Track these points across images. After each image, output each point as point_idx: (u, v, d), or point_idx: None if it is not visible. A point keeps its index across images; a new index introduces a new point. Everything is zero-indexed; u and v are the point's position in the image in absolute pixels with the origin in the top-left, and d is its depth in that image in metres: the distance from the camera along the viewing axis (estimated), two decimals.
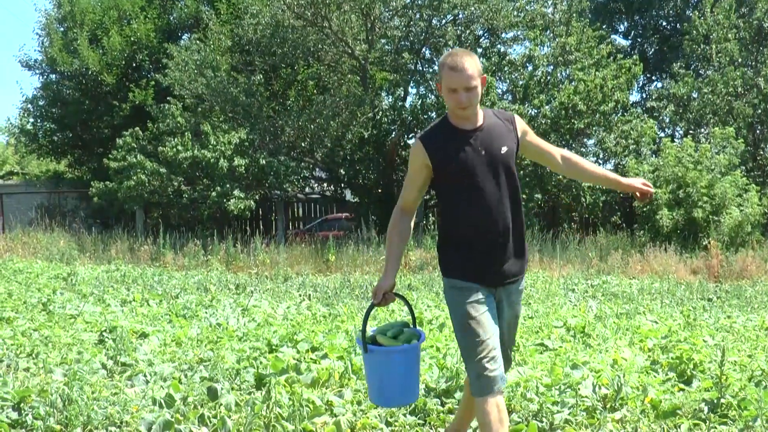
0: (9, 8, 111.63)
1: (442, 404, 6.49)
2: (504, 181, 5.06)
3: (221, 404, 6.31)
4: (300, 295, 15.12)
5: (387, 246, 5.24)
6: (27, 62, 35.83)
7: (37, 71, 35.92)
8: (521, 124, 5.31)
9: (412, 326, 5.43)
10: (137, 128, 28.80)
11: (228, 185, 26.67)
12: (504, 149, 5.06)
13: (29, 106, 36.37)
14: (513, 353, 5.17)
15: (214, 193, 26.43)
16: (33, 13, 72.09)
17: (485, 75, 5.07)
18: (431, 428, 6.09)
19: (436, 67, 30.40)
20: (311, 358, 8.08)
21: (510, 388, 6.69)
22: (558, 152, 5.50)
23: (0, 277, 17.67)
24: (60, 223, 28.40)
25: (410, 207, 5.25)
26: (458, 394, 6.67)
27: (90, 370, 7.61)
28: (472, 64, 4.92)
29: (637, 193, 5.36)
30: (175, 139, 27.42)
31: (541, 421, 6.08)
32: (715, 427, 6.01)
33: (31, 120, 36.96)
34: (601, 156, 28.85)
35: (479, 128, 5.08)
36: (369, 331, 5.14)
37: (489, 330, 4.88)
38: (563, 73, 28.52)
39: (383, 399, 5.22)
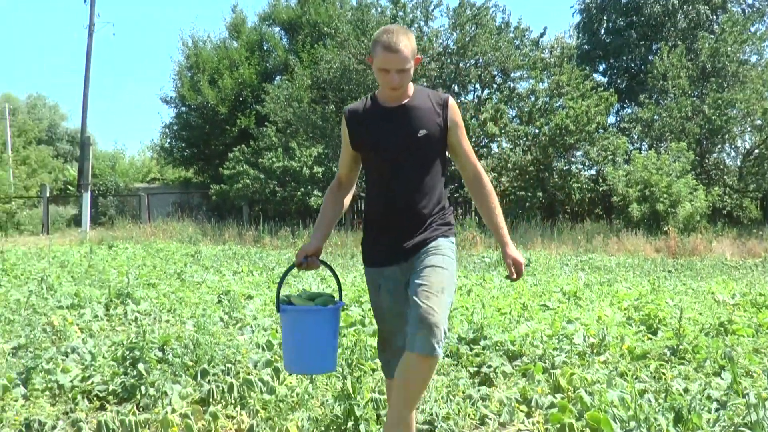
0: (155, 53, 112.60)
1: (471, 349, 6.45)
2: (418, 164, 3.78)
3: None
4: (363, 268, 15.12)
5: (320, 211, 4.05)
6: (165, 98, 36.65)
7: (172, 105, 36.71)
8: (454, 112, 3.88)
9: (338, 298, 4.15)
10: (243, 145, 29.53)
11: (309, 187, 27.31)
12: (422, 132, 3.76)
13: (167, 130, 37.48)
14: (440, 298, 3.49)
15: (299, 193, 27.05)
16: (169, 63, 72.76)
17: (420, 55, 3.83)
18: (463, 367, 6.06)
19: (463, 98, 30.37)
20: (372, 315, 8.09)
21: (521, 338, 6.65)
22: (472, 168, 3.94)
23: (147, 254, 17.89)
24: (188, 215, 28.83)
25: (344, 179, 4.10)
26: (483, 342, 6.64)
27: (212, 322, 7.66)
28: (407, 44, 3.68)
29: (510, 269, 3.80)
30: (271, 153, 28.04)
31: (545, 363, 6.03)
32: (675, 366, 5.93)
33: (168, 140, 37.76)
34: (586, 164, 28.66)
35: (402, 107, 3.83)
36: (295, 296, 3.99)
37: (386, 320, 3.92)
38: (558, 102, 28.31)
39: (295, 365, 3.88)
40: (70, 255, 17.16)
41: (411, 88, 3.88)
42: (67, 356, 6.16)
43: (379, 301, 3.92)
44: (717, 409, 4.62)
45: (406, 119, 3.80)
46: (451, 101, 3.85)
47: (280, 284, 3.89)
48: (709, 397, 4.92)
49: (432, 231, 3.81)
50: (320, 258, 3.96)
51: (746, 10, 35.37)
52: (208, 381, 5.48)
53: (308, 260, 3.89)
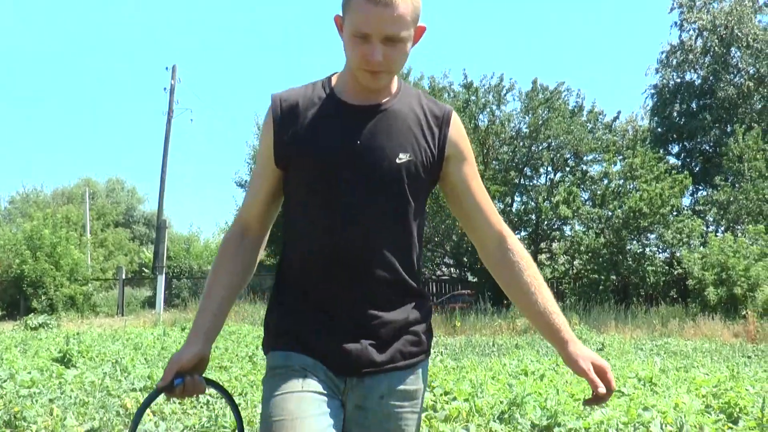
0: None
1: None
2: (391, 209, 2.22)
3: None
4: (434, 352, 15.02)
5: (206, 287, 2.30)
6: (240, 182, 37.50)
7: (245, 188, 37.25)
8: (458, 134, 2.33)
9: None
10: None
11: None
12: (403, 157, 2.21)
13: None
14: None
15: None
16: (245, 147, 74.49)
17: (423, 24, 2.21)
18: None
19: (536, 181, 30.47)
20: (444, 400, 7.99)
21: (596, 425, 6.50)
22: (495, 228, 2.36)
23: (219, 337, 18.05)
24: (260, 298, 29.00)
25: (249, 221, 2.36)
26: (557, 429, 6.51)
27: None
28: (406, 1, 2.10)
29: (595, 392, 2.17)
30: None
31: None
32: None
33: None
34: (660, 246, 28.26)
35: (377, 108, 2.24)
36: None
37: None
38: (631, 185, 28.11)
39: None
40: (143, 337, 17.44)
41: (396, 83, 2.31)
42: None
43: (298, 396, 2.10)
44: None
45: (381, 130, 2.21)
46: (456, 117, 2.33)
47: (135, 422, 2.10)
48: None
49: (413, 343, 2.26)
50: (205, 375, 2.20)
51: None
52: None
53: (185, 381, 2.11)
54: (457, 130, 2.32)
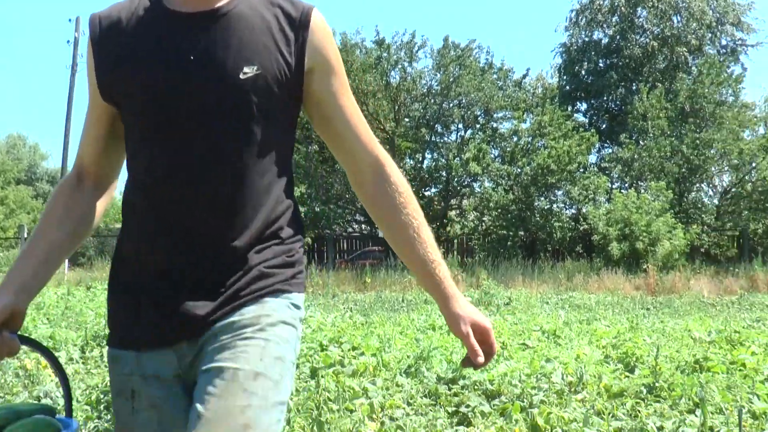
0: None
1: (449, 389, 6.47)
2: (236, 137, 1.78)
3: None
4: (344, 308, 15.12)
5: (35, 229, 1.93)
6: None
7: None
8: (322, 40, 1.87)
9: (66, 414, 1.91)
10: None
11: None
12: (248, 71, 1.76)
13: None
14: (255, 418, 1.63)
15: None
16: None
17: None
18: (441, 407, 6.07)
19: (447, 138, 30.75)
20: (352, 355, 8.07)
21: (500, 377, 6.67)
22: (369, 154, 1.96)
23: None
24: None
25: (84, 164, 1.98)
26: (461, 381, 6.67)
27: None
28: None
29: (471, 344, 1.90)
30: None
31: (523, 402, 6.04)
32: (651, 404, 5.97)
33: None
34: (567, 203, 28.90)
35: (213, 15, 1.80)
36: None
37: None
38: (540, 142, 28.56)
39: None
40: (46, 297, 16.98)
41: None
42: (39, 401, 6.10)
43: (132, 424, 1.82)
44: None
45: (219, 40, 1.78)
46: (318, 18, 1.85)
47: None
48: None
49: (255, 279, 1.83)
50: (25, 332, 1.69)
51: (721, 52, 35.98)
52: None
53: None
54: (321, 34, 1.85)
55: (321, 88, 1.88)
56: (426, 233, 1.98)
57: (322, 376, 6.84)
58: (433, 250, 1.97)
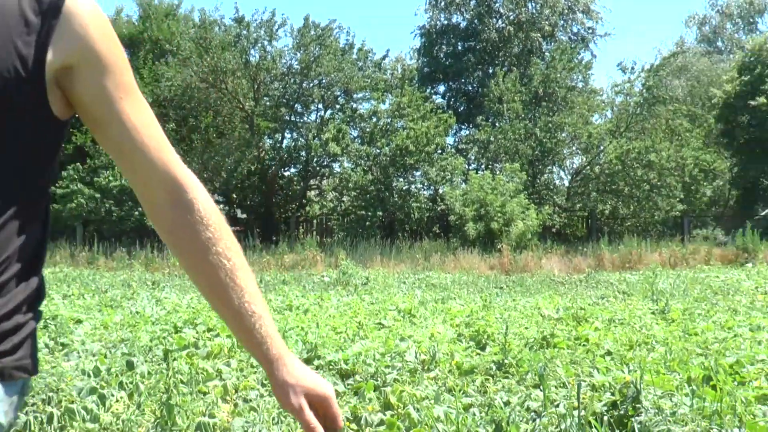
0: None
1: None
2: None
3: (136, 373, 6.18)
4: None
5: None
6: None
7: None
8: (86, 29, 1.39)
9: None
10: (78, 163, 28.21)
11: None
12: None
13: None
14: None
15: (137, 213, 26.17)
16: None
17: None
18: None
19: (306, 118, 30.73)
20: (207, 337, 7.99)
21: (354, 356, 6.74)
22: (170, 175, 1.55)
23: None
24: None
25: None
26: (316, 362, 6.70)
27: None
28: None
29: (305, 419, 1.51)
30: (107, 172, 26.98)
31: (377, 380, 6.13)
32: (500, 380, 6.18)
33: None
34: (425, 184, 29.40)
35: None
36: None
37: None
38: (399, 123, 28.88)
39: None
40: None
41: None
42: None
43: None
44: (533, 420, 4.86)
45: None
46: (82, 3, 1.41)
47: None
48: (528, 409, 5.16)
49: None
50: None
51: (573, 39, 37.36)
52: (26, 412, 5.27)
53: None
54: (84, 22, 1.41)
55: (87, 89, 1.44)
56: (244, 277, 1.55)
57: (174, 359, 6.72)
58: (253, 299, 1.54)
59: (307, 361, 6.71)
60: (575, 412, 4.26)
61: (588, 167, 31.07)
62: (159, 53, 32.24)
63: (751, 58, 32.51)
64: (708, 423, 4.62)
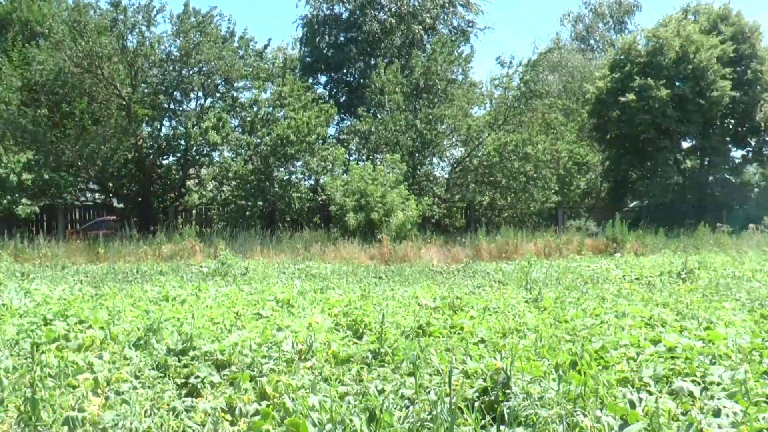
0: None
1: (179, 360, 6.40)
2: None
3: (0, 368, 5.95)
4: (74, 280, 14.45)
5: None
6: None
7: None
8: None
9: None
10: None
11: (17, 195, 25.34)
12: None
13: None
14: None
15: (5, 201, 25.07)
16: None
17: None
18: (170, 379, 5.99)
19: (186, 106, 30.19)
20: (79, 329, 7.77)
21: (231, 347, 6.69)
22: None
23: None
24: None
25: None
26: (192, 352, 6.61)
27: None
28: None
29: None
30: None
31: (253, 371, 6.11)
32: (376, 369, 6.24)
33: None
34: (306, 174, 29.35)
35: None
36: None
37: None
38: (280, 113, 28.71)
39: None
40: None
41: None
42: None
43: None
44: (407, 407, 4.94)
45: None
46: None
47: None
48: (402, 396, 5.24)
49: None
50: None
51: (453, 31, 37.92)
52: None
53: None
54: None
55: None
56: None
57: (42, 352, 6.51)
58: None
59: (183, 352, 6.62)
60: (447, 399, 4.35)
61: (467, 159, 31.63)
62: (29, 35, 30.95)
63: (621, 56, 33.78)
64: (573, 406, 4.81)
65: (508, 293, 11.92)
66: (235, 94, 30.27)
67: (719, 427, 4.45)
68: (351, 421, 4.57)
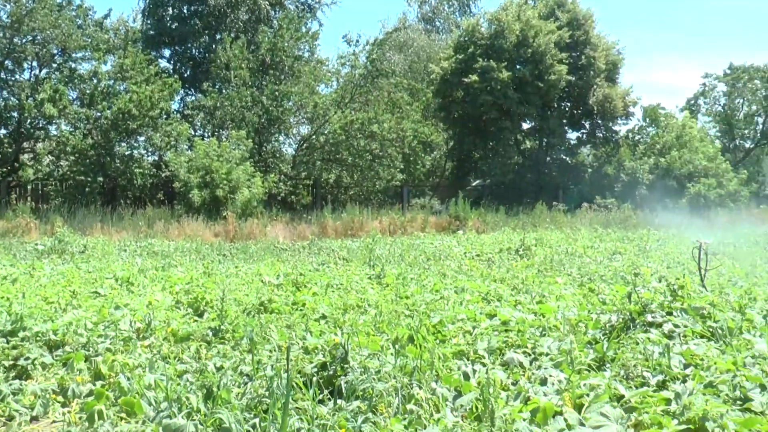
0: None
1: (8, 342, 6.13)
2: None
3: None
4: None
5: None
6: None
7: None
8: None
9: None
10: None
11: None
12: None
13: None
14: None
15: None
16: None
17: None
18: None
19: (19, 77, 28.72)
20: None
21: (64, 326, 6.48)
22: None
23: None
24: None
25: None
26: (22, 333, 6.36)
27: None
28: None
29: None
30: None
31: (88, 351, 5.95)
32: (216, 346, 6.20)
33: None
34: (149, 149, 28.65)
35: None
36: None
37: None
38: (121, 86, 27.82)
39: None
40: None
41: None
42: None
43: None
44: (245, 383, 4.94)
45: None
46: None
47: None
48: (241, 373, 5.24)
49: None
50: None
51: (300, 7, 37.72)
52: None
53: None
54: None
55: None
56: None
57: None
58: None
59: (12, 333, 6.36)
60: (284, 374, 4.38)
61: (314, 136, 31.67)
62: None
63: (465, 38, 34.61)
64: (409, 379, 4.94)
65: (352, 270, 12.07)
66: (73, 65, 29.06)
67: (545, 395, 4.67)
68: (187, 398, 4.54)
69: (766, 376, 4.66)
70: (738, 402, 4.39)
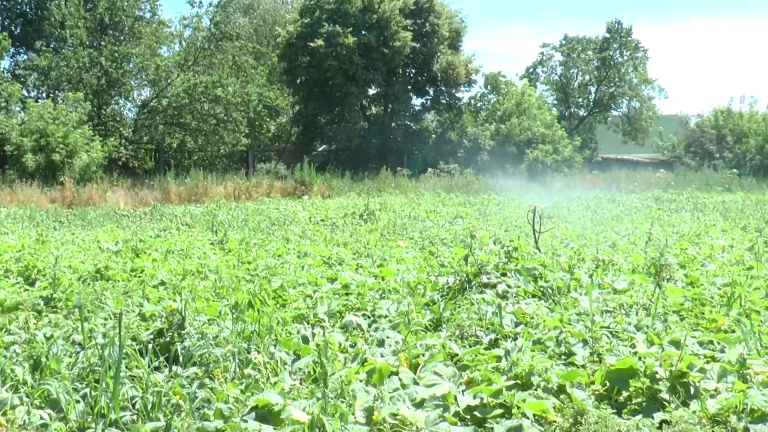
0: None
1: None
2: None
3: None
4: None
5: None
6: None
7: None
8: None
9: None
10: None
11: None
12: None
13: None
14: None
15: None
16: None
17: None
18: None
19: None
20: None
21: None
22: None
23: None
24: None
25: None
26: None
27: None
28: None
29: None
30: None
31: None
32: (48, 315, 5.96)
33: None
34: None
35: None
36: None
37: None
38: None
39: None
40: None
41: None
42: None
43: None
44: (77, 352, 4.77)
45: None
46: None
47: None
48: (73, 342, 5.05)
49: None
50: None
51: None
52: None
53: None
54: None
55: None
56: None
57: None
58: None
59: None
60: (117, 342, 4.25)
61: (156, 100, 30.80)
62: None
63: (312, 2, 34.35)
64: (247, 344, 4.91)
65: (194, 236, 11.87)
66: None
67: (382, 356, 4.75)
68: (13, 371, 4.34)
69: (589, 332, 4.90)
70: (563, 356, 4.61)
